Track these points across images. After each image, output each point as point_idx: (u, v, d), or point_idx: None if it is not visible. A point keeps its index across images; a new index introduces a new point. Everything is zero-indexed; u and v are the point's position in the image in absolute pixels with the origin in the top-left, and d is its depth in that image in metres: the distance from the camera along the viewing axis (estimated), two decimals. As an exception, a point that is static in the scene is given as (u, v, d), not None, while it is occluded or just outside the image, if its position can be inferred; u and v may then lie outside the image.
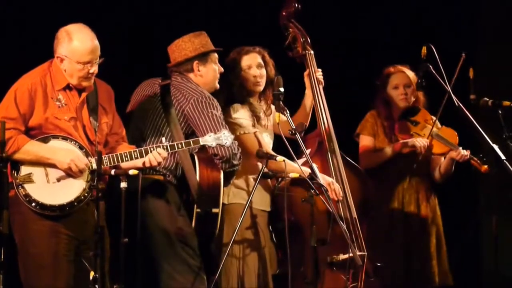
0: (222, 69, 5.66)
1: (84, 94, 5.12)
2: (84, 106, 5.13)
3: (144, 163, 5.09)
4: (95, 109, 5.15)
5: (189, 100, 5.45)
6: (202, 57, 5.59)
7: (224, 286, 5.59)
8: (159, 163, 5.11)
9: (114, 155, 5.07)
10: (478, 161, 6.36)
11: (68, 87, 5.10)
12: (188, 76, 5.58)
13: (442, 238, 6.50)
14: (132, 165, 5.10)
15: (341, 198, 5.80)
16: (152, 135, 5.46)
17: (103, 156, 4.99)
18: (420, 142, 6.33)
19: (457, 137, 6.42)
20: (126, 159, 5.07)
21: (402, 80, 6.48)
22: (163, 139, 5.18)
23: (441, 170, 6.51)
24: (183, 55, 5.58)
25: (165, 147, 5.13)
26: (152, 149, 5.10)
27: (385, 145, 6.46)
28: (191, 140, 5.23)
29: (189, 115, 5.44)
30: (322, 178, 5.65)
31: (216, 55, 5.64)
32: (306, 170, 5.49)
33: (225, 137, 5.22)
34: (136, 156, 5.08)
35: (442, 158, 6.55)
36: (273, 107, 5.92)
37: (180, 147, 5.18)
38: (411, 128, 6.46)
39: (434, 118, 6.38)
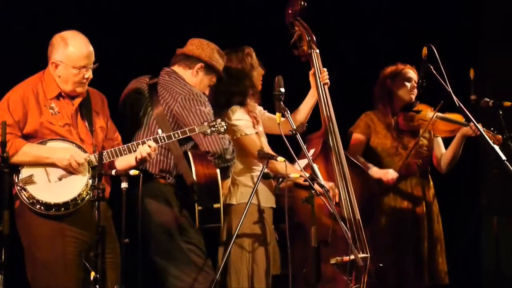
0: (207, 93, 5.65)
1: (77, 101, 5.14)
2: (78, 113, 5.15)
3: (136, 158, 5.11)
4: (89, 115, 5.18)
5: (176, 99, 5.45)
6: (209, 68, 5.60)
7: (235, 285, 5.61)
8: (149, 155, 5.09)
9: (113, 150, 5.09)
10: (491, 133, 6.30)
11: (60, 96, 5.13)
12: (184, 70, 5.58)
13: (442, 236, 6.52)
14: (127, 165, 5.13)
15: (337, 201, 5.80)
16: (144, 135, 5.46)
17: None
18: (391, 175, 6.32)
19: (463, 118, 6.40)
20: (125, 152, 5.09)
21: (413, 76, 6.49)
22: (160, 130, 5.19)
23: (452, 150, 6.46)
24: (198, 52, 5.59)
25: (162, 138, 5.14)
26: (148, 140, 5.12)
27: (388, 141, 6.45)
28: (187, 129, 5.24)
29: (177, 114, 5.44)
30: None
31: (215, 79, 5.65)
32: (305, 175, 5.49)
33: (220, 125, 5.23)
34: (134, 149, 5.10)
35: (443, 149, 6.55)
36: (259, 107, 5.93)
37: (176, 136, 5.19)
38: (414, 116, 6.45)
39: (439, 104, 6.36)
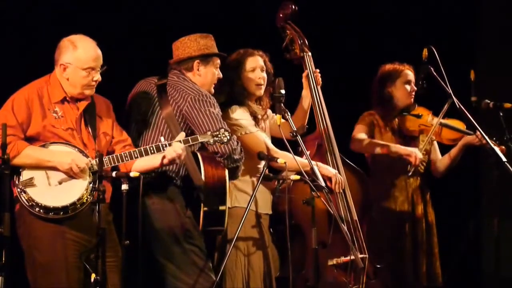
0: (221, 75, 5.64)
1: (82, 105, 5.15)
2: (82, 118, 5.16)
3: (164, 158, 5.11)
4: (93, 120, 5.18)
5: (186, 99, 5.45)
6: (204, 58, 5.58)
7: (229, 287, 5.60)
8: (179, 156, 5.11)
9: (114, 156, 5.09)
10: (494, 142, 6.28)
11: (65, 100, 5.14)
12: (186, 74, 5.57)
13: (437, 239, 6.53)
14: (150, 166, 5.16)
15: (341, 191, 5.81)
16: (152, 135, 5.46)
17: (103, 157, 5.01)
18: (418, 154, 6.30)
19: (465, 126, 6.38)
20: (126, 159, 5.09)
21: (412, 78, 6.47)
22: (162, 138, 5.19)
23: (452, 157, 6.46)
24: (186, 53, 5.58)
25: (164, 146, 5.13)
26: (151, 148, 5.11)
27: (392, 142, 6.44)
28: (189, 138, 5.23)
29: (187, 114, 5.43)
30: (326, 169, 5.69)
31: (218, 60, 5.63)
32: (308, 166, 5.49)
33: (223, 135, 5.23)
34: (136, 155, 5.10)
35: (438, 153, 6.54)
36: (269, 111, 5.92)
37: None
38: (417, 121, 6.44)
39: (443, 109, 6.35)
